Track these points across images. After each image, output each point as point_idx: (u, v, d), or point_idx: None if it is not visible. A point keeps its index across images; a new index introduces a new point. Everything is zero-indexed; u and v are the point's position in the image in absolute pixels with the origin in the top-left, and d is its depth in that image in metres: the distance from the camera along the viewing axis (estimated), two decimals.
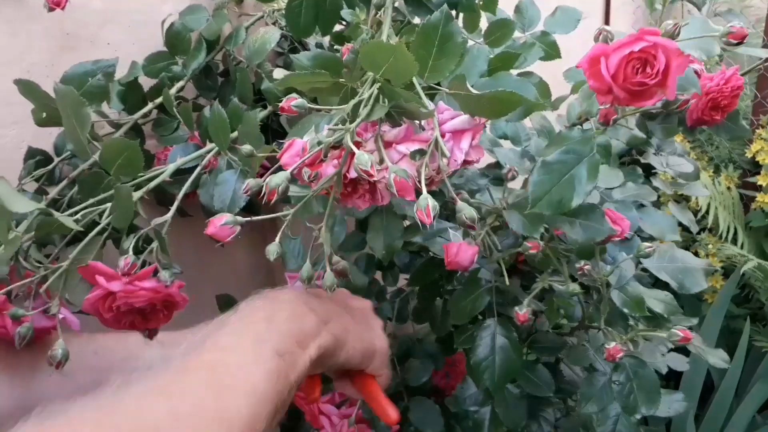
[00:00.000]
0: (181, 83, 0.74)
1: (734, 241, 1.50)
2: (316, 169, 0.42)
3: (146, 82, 0.74)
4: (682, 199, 1.36)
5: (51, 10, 0.58)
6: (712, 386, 1.36)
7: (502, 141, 0.82)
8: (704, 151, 1.68)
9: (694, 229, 0.88)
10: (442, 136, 0.43)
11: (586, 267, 0.64)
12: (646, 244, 0.65)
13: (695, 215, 1.43)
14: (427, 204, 0.38)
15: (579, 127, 0.68)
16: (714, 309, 1.37)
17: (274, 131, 0.79)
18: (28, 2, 0.63)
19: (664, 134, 0.84)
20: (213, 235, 0.43)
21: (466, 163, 0.45)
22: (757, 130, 1.48)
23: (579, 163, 0.55)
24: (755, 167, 1.54)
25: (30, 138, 0.68)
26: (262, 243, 0.48)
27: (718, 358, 0.81)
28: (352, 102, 0.42)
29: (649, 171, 0.92)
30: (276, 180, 0.40)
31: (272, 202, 0.40)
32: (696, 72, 0.70)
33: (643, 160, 0.91)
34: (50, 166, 0.69)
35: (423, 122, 0.45)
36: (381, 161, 0.42)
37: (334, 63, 0.47)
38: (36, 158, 0.69)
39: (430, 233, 0.68)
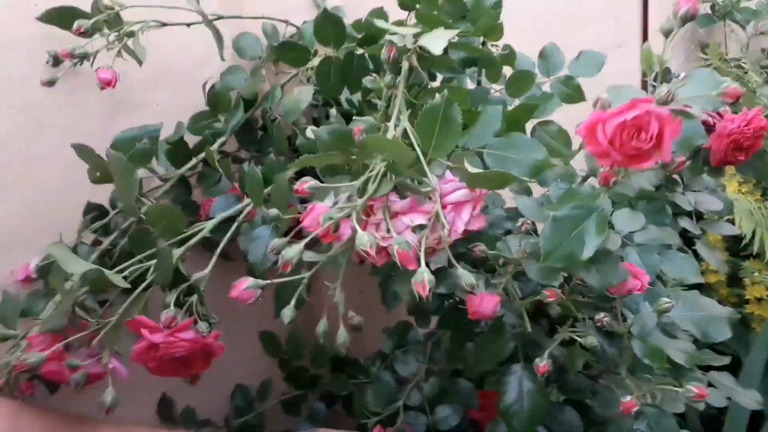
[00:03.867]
0: (222, 139, 0.80)
1: None
2: (329, 240, 0.47)
3: (191, 138, 0.81)
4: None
5: (103, 88, 0.65)
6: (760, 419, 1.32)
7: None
8: None
9: (724, 270, 0.88)
10: (444, 207, 0.47)
11: (606, 319, 0.66)
12: (665, 299, 0.66)
13: (740, 242, 1.41)
14: (423, 278, 0.42)
15: (592, 177, 0.71)
16: (760, 339, 1.34)
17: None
18: (84, 74, 0.71)
19: (690, 173, 0.85)
20: (236, 298, 0.48)
21: (466, 232, 0.49)
22: None
23: (588, 217, 0.58)
24: None
25: (88, 195, 0.76)
26: None
27: (749, 398, 0.80)
28: (362, 178, 0.47)
29: (677, 208, 0.92)
30: (291, 253, 0.44)
31: (288, 271, 0.45)
32: (719, 113, 0.72)
33: (670, 198, 0.92)
34: (105, 219, 0.76)
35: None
36: (388, 230, 0.47)
37: (349, 138, 0.51)
38: (93, 213, 0.76)
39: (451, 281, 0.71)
